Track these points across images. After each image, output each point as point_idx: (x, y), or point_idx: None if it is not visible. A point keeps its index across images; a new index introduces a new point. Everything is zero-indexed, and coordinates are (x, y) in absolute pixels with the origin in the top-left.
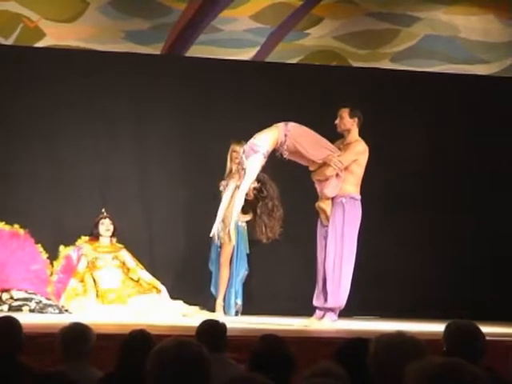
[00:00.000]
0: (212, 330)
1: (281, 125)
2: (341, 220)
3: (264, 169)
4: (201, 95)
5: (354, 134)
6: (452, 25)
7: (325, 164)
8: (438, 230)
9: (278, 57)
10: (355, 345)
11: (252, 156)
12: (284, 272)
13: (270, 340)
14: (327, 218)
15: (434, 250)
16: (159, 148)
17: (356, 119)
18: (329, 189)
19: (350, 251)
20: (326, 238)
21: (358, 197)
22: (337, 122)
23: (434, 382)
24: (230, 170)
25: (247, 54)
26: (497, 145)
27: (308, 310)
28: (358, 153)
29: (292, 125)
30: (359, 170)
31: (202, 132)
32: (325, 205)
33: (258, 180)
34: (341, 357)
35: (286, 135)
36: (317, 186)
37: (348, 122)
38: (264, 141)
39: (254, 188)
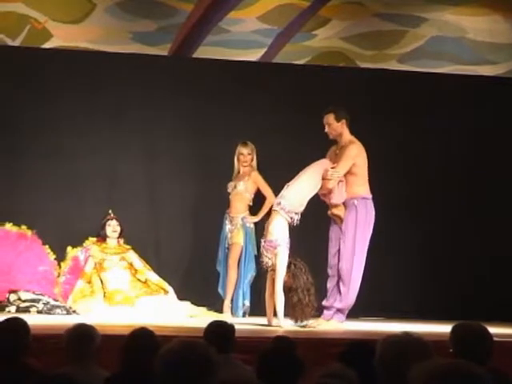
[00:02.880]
0: (220, 330)
1: (278, 207)
2: (353, 222)
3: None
4: (208, 96)
5: (346, 135)
6: (459, 26)
7: (324, 178)
8: (442, 232)
9: (285, 58)
10: (360, 347)
11: (276, 252)
12: None
13: (281, 342)
14: (342, 222)
15: (441, 251)
16: (167, 149)
17: (343, 120)
18: (335, 198)
19: (362, 252)
20: (339, 239)
21: (369, 196)
22: (326, 130)
23: (440, 383)
24: (238, 172)
25: (254, 55)
26: (504, 146)
27: (316, 311)
28: (353, 156)
29: (284, 196)
30: (362, 171)
31: (209, 133)
32: (337, 210)
33: (288, 268)
34: (346, 358)
35: (289, 211)
36: (322, 198)
37: (337, 127)
38: (278, 233)
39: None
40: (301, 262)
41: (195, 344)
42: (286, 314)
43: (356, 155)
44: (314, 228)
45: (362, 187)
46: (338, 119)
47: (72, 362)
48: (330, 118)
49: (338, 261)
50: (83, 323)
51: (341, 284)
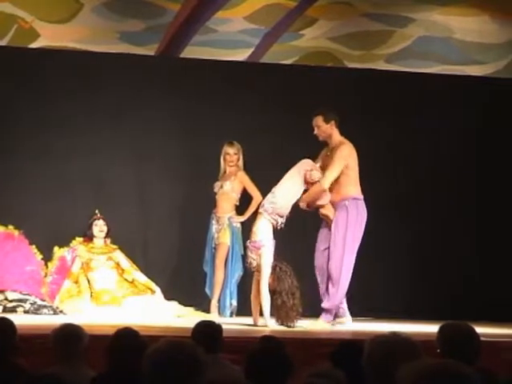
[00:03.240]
0: (208, 330)
1: (262, 209)
2: (344, 222)
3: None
4: (195, 96)
5: (336, 136)
6: (447, 26)
7: (308, 182)
8: (431, 232)
9: (272, 58)
10: (349, 347)
11: (260, 253)
12: None
13: (269, 341)
14: (331, 221)
15: (430, 251)
16: (153, 149)
17: (332, 122)
18: (321, 201)
19: (352, 253)
20: (329, 240)
21: (361, 197)
22: (315, 132)
23: (429, 383)
24: (224, 171)
25: (242, 55)
26: (493, 146)
27: (303, 311)
28: (345, 157)
29: (268, 199)
30: (353, 172)
31: (196, 133)
32: (325, 210)
33: (273, 270)
34: (336, 358)
35: (271, 213)
36: (305, 208)
37: (326, 129)
38: (261, 234)
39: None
40: (286, 266)
41: (183, 344)
42: (270, 315)
43: (348, 155)
44: (302, 231)
45: (353, 188)
46: (326, 121)
47: (59, 361)
48: (318, 120)
49: (328, 260)
50: (70, 323)
51: (329, 284)
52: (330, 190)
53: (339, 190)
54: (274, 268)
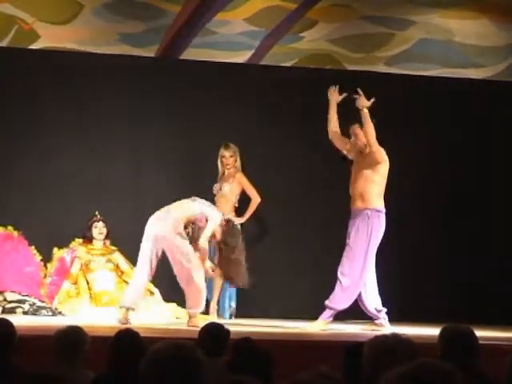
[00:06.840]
0: (215, 333)
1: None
2: (365, 232)
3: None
4: (195, 98)
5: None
6: (447, 29)
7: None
8: (432, 232)
9: (272, 60)
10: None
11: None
12: (278, 274)
13: (242, 345)
14: None
15: (429, 252)
16: (153, 150)
17: None
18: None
19: (370, 265)
20: (347, 244)
21: (383, 210)
22: (352, 140)
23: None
24: (223, 173)
25: (242, 57)
26: (492, 149)
27: (302, 313)
28: (382, 159)
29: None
30: (381, 180)
31: (196, 135)
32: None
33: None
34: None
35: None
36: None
37: (363, 137)
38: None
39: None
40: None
41: (182, 345)
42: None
43: (384, 160)
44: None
45: (378, 198)
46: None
47: (60, 363)
48: (356, 129)
49: (340, 263)
50: (74, 325)
51: (338, 285)
52: (355, 196)
53: (364, 198)
54: (227, 222)
